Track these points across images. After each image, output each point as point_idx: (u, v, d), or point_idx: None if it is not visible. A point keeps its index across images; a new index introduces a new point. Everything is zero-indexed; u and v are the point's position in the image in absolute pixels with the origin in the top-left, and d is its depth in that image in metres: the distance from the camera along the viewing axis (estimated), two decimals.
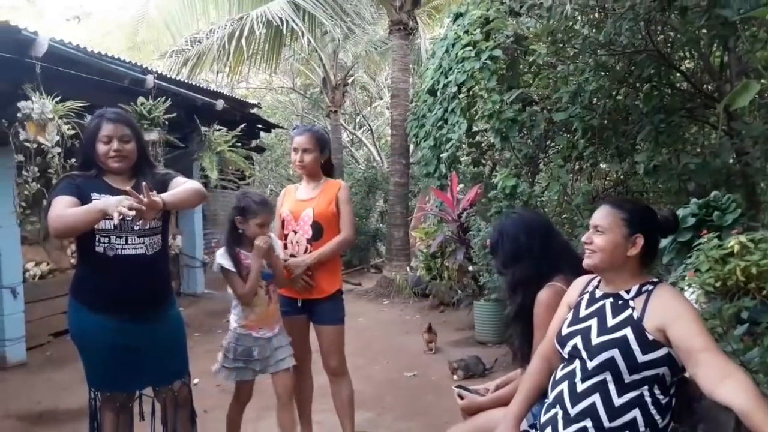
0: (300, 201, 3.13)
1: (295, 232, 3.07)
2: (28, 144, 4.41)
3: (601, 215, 1.91)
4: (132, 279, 2.39)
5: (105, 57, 5.69)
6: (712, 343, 1.65)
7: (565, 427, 1.78)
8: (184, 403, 2.64)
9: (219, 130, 7.17)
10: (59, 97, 4.59)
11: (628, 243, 1.85)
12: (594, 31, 4.42)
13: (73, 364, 4.93)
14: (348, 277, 10.03)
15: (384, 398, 4.38)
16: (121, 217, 2.07)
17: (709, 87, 4.66)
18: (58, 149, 4.52)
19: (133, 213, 2.07)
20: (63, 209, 2.23)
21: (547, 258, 2.25)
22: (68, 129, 4.58)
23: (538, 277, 2.22)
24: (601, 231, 1.87)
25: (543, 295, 2.17)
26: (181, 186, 2.45)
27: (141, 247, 2.40)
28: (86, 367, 2.51)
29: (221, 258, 2.92)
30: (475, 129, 6.47)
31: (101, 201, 2.21)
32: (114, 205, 2.08)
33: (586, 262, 1.91)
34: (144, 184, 2.21)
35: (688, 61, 4.91)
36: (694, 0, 3.44)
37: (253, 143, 9.81)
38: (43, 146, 4.46)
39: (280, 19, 8.48)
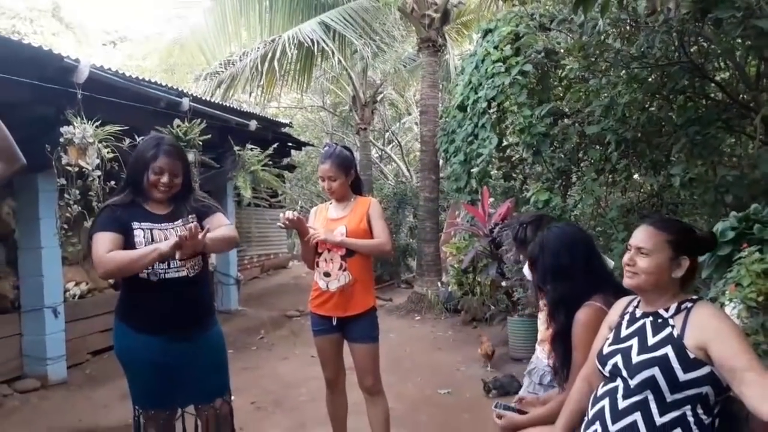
0: (331, 220, 3.15)
1: (329, 250, 3.08)
2: (69, 168, 4.54)
3: (644, 237, 1.87)
4: (176, 301, 2.45)
5: (143, 81, 5.83)
6: (756, 362, 1.62)
7: None
8: (225, 420, 2.66)
9: (252, 149, 7.29)
10: (99, 121, 4.72)
11: (672, 265, 1.83)
12: (626, 44, 4.39)
13: (112, 382, 5.05)
14: (378, 293, 9.98)
15: (418, 416, 4.35)
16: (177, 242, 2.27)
17: (745, 97, 4.58)
18: (98, 172, 4.65)
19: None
20: (110, 248, 2.33)
21: (588, 277, 2.21)
22: (108, 152, 4.71)
23: (578, 296, 2.17)
24: (645, 253, 1.84)
25: (581, 315, 2.14)
26: (221, 232, 2.55)
27: (183, 270, 2.46)
28: (131, 385, 2.57)
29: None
30: (505, 143, 6.46)
31: (158, 247, 2.33)
32: (170, 244, 2.28)
33: (628, 282, 1.89)
34: (194, 225, 2.33)
35: (722, 71, 4.84)
36: (729, 11, 3.39)
37: (284, 161, 9.94)
38: (83, 170, 4.59)
39: (311, 40, 8.61)
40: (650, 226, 1.90)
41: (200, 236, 2.29)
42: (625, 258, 1.90)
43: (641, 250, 1.85)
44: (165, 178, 2.47)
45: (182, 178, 2.56)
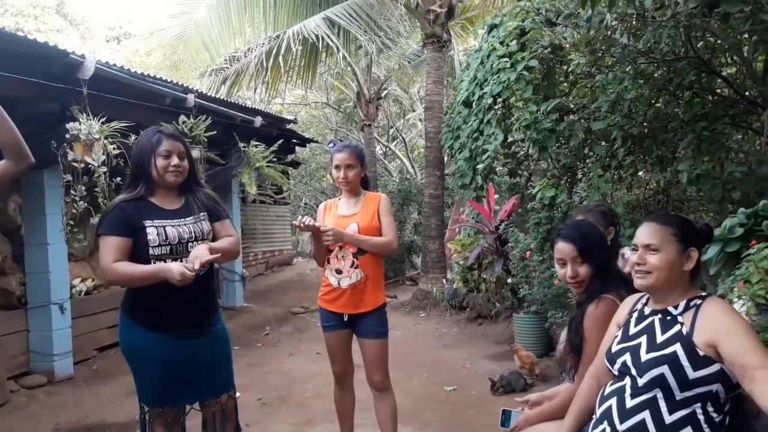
0: (343, 217, 3.15)
1: (341, 248, 3.08)
2: (75, 164, 4.54)
3: (650, 233, 1.86)
4: (183, 298, 2.43)
5: (148, 78, 5.82)
6: (767, 359, 1.61)
7: None
8: (230, 416, 2.66)
9: (257, 146, 7.29)
10: (105, 118, 4.72)
11: (682, 258, 1.83)
12: (633, 39, 4.37)
13: (118, 378, 5.06)
14: None
15: (424, 412, 4.36)
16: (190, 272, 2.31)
17: (752, 92, 4.56)
18: (104, 168, 4.65)
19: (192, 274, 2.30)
20: (115, 256, 2.36)
21: (607, 273, 2.24)
22: (113, 149, 4.71)
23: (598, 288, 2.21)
24: (654, 250, 1.83)
25: (593, 309, 2.15)
26: (227, 242, 2.62)
27: None
28: (138, 382, 2.55)
29: None
30: (510, 140, 6.44)
31: (164, 271, 2.31)
32: (175, 276, 2.27)
33: (640, 283, 1.86)
34: (205, 257, 2.37)
35: (729, 67, 4.81)
36: (736, 6, 3.36)
37: (289, 158, 9.94)
38: (89, 166, 4.59)
39: (316, 35, 8.58)
40: (653, 222, 1.90)
41: (210, 258, 2.38)
42: (634, 258, 1.89)
43: (650, 246, 1.84)
44: (175, 160, 2.48)
45: (188, 165, 2.57)
